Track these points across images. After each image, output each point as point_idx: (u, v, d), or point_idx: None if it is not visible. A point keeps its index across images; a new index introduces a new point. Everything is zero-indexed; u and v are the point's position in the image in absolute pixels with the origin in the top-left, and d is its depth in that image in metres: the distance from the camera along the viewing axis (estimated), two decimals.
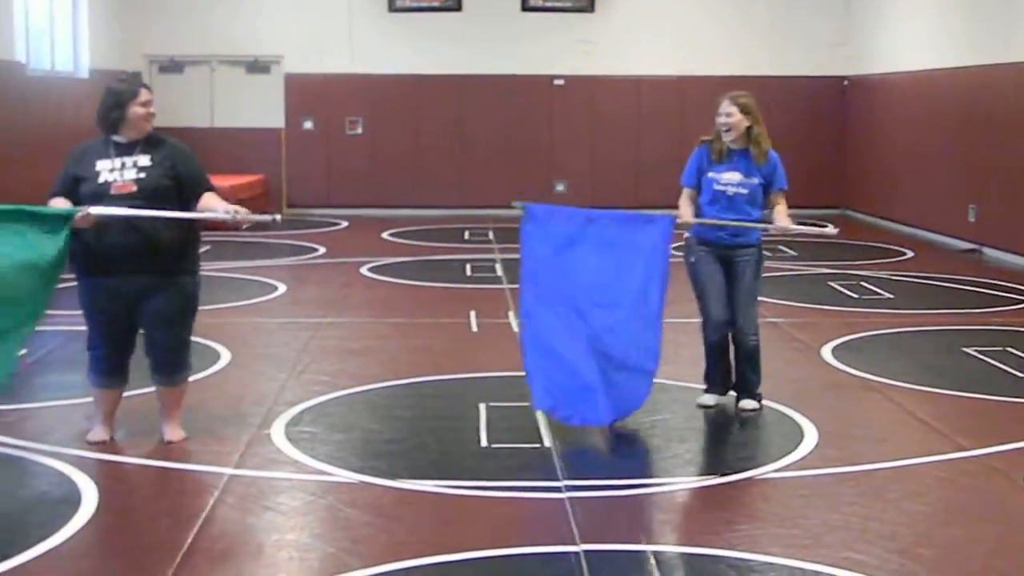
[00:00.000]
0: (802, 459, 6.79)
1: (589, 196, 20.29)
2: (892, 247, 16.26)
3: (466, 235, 17.43)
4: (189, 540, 5.51)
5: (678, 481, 6.47)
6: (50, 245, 6.34)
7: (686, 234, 7.92)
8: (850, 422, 7.72)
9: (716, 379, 7.85)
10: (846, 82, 20.33)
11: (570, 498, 6.07)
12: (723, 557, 5.36)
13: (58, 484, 6.26)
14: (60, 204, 6.64)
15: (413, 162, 20.39)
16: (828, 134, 20.44)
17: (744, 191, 7.64)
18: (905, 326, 10.68)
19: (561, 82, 20.42)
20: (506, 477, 6.41)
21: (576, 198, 20.17)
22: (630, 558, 5.33)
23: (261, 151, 20.18)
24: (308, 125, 20.37)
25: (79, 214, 6.41)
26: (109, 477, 6.38)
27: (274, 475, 6.49)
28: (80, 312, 6.86)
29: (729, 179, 7.64)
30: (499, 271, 13.68)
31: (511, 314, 10.72)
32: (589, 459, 6.83)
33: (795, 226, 7.75)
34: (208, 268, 9.23)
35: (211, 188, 6.82)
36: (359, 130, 20.33)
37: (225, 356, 9.17)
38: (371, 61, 20.11)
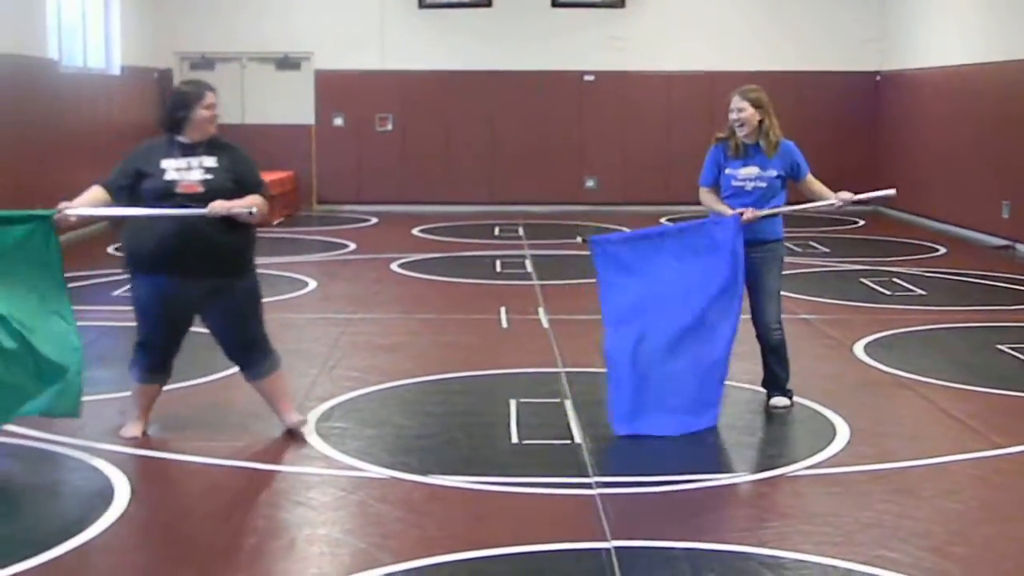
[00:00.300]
0: (834, 456, 6.75)
1: (620, 192, 20.29)
2: (925, 243, 16.16)
3: (496, 231, 17.42)
4: (220, 535, 5.53)
5: (709, 478, 6.44)
6: (40, 251, 6.45)
7: None
8: (882, 419, 7.67)
9: (771, 381, 7.83)
10: (879, 77, 20.22)
11: (601, 495, 6.06)
12: (754, 555, 5.34)
13: (91, 479, 6.29)
14: (95, 193, 6.71)
15: (443, 158, 20.40)
16: (860, 130, 20.32)
17: (763, 184, 7.62)
18: (938, 323, 10.61)
19: (591, 78, 20.38)
20: (537, 473, 6.40)
21: (606, 194, 20.17)
22: (661, 555, 5.31)
23: (291, 147, 20.22)
24: (338, 122, 20.40)
25: (58, 215, 6.49)
26: (142, 472, 6.40)
27: (305, 470, 6.51)
28: (121, 308, 6.89)
29: (747, 174, 7.63)
30: (529, 267, 13.66)
31: (541, 310, 10.71)
32: (620, 456, 6.81)
33: (858, 196, 7.71)
34: None
35: (262, 193, 6.88)
36: (389, 127, 20.35)
37: None
38: (401, 57, 20.12)
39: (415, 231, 17.41)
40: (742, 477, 6.45)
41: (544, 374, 8.47)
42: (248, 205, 6.68)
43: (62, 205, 6.57)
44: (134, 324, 6.96)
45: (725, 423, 7.45)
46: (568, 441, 6.97)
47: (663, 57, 20.22)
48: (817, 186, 7.86)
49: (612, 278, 7.24)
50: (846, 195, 7.76)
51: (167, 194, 6.61)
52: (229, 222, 6.65)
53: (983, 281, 13.11)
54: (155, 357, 6.93)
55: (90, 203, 6.78)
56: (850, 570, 5.13)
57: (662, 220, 18.62)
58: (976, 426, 7.37)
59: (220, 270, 6.73)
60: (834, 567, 5.17)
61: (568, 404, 7.69)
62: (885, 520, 5.76)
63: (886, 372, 8.78)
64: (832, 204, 7.77)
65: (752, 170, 7.61)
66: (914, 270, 13.69)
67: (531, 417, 7.44)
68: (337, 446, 6.86)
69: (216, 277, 6.72)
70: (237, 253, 6.80)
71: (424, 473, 6.39)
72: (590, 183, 20.37)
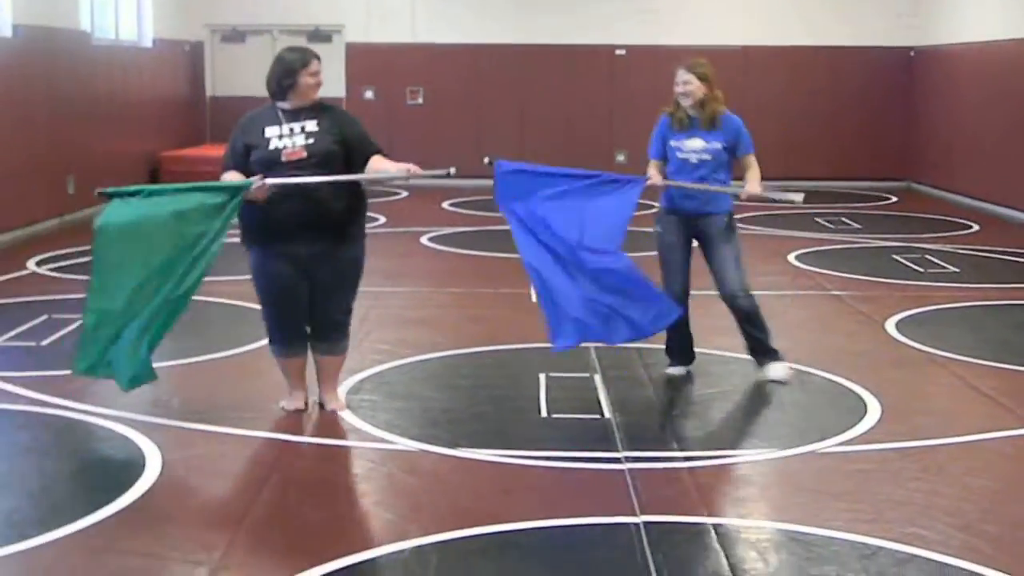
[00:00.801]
0: (865, 433, 6.73)
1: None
2: (957, 220, 16.05)
3: None
4: (250, 506, 5.56)
5: (739, 454, 6.44)
6: (216, 221, 6.45)
7: (658, 205, 7.85)
8: (914, 397, 7.64)
9: (675, 350, 7.87)
10: (912, 53, 20.06)
11: (630, 469, 6.06)
12: (784, 530, 5.34)
13: (122, 449, 6.34)
14: (233, 179, 6.65)
15: (474, 132, 20.36)
16: (894, 105, 20.17)
17: (708, 157, 7.61)
18: (970, 300, 10.55)
19: (623, 52, 20.30)
20: (566, 447, 6.41)
21: (638, 168, 20.06)
22: (690, 530, 5.31)
23: None
24: (369, 95, 20.38)
25: (254, 185, 6.44)
26: (172, 442, 6.44)
27: (334, 442, 6.53)
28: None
29: (692, 146, 7.63)
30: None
31: None
32: (649, 430, 6.80)
33: (765, 192, 7.67)
34: None
35: (379, 150, 6.83)
36: (420, 100, 20.32)
37: None
38: (433, 31, 20.07)
39: (445, 204, 17.40)
40: (772, 453, 6.43)
41: (575, 349, 8.46)
42: (398, 169, 6.69)
43: (256, 179, 6.47)
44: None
45: (755, 398, 7.43)
46: (597, 416, 6.97)
47: (695, 31, 20.09)
48: (751, 170, 7.76)
49: (512, 203, 7.36)
50: (753, 189, 7.64)
51: (274, 163, 6.56)
52: (345, 187, 6.63)
53: (1016, 259, 13.02)
54: (286, 329, 6.86)
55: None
56: (880, 547, 5.12)
57: None
58: (1008, 404, 7.33)
59: (330, 236, 6.67)
60: (864, 544, 5.15)
61: (597, 378, 7.69)
62: (915, 497, 5.74)
63: (918, 349, 8.73)
64: (736, 193, 7.71)
65: (696, 142, 7.61)
66: (947, 247, 13.60)
67: (560, 391, 7.44)
68: (367, 419, 6.88)
69: (325, 242, 6.65)
70: (349, 220, 6.74)
71: (453, 446, 6.40)
72: (621, 157, 20.29)
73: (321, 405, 7.03)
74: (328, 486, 5.91)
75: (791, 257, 12.66)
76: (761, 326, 7.73)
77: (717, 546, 5.13)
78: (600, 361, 8.08)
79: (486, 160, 7.43)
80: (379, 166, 6.74)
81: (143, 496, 5.64)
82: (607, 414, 6.98)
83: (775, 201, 8.03)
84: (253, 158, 6.62)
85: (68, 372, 7.57)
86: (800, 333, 9.37)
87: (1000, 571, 4.91)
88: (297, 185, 6.48)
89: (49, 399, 7.16)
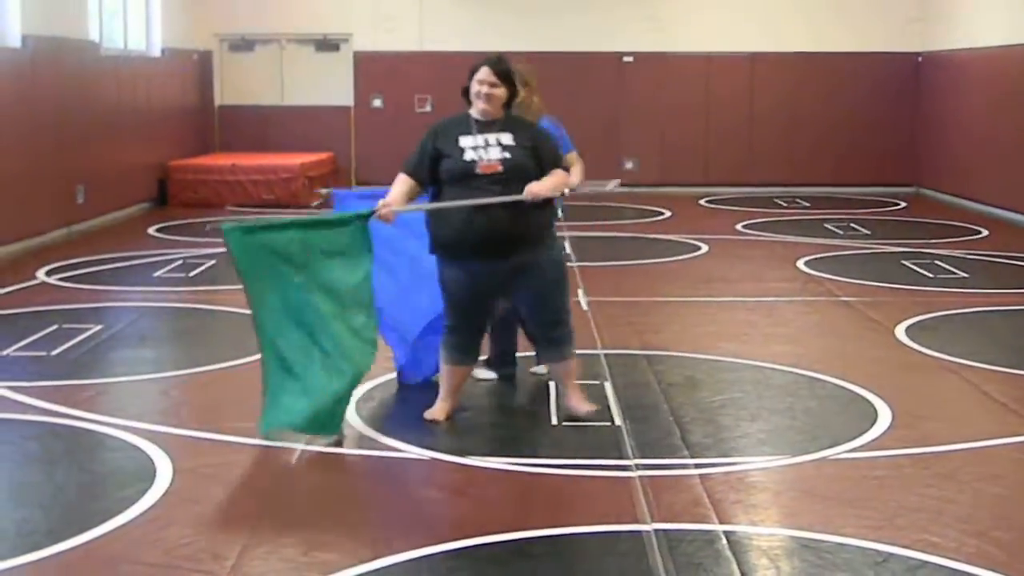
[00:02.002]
0: (876, 440, 6.71)
1: (657, 173, 20.19)
2: (967, 226, 16.03)
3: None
4: (261, 515, 5.56)
5: (750, 460, 6.42)
6: (356, 252, 6.53)
7: None
8: (925, 402, 7.62)
9: (503, 356, 7.85)
10: (920, 58, 20.05)
11: (641, 477, 6.05)
12: (796, 537, 5.33)
13: (133, 458, 6.34)
14: (404, 183, 6.70)
15: None
16: (902, 111, 20.16)
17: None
18: (980, 305, 10.53)
19: (630, 59, 20.31)
20: (577, 455, 6.39)
21: (645, 175, 20.06)
22: (702, 537, 5.30)
23: (330, 129, 20.26)
24: (377, 103, 20.41)
25: (379, 212, 6.49)
26: (183, 452, 6.43)
27: (345, 451, 6.52)
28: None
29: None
30: (568, 248, 13.62)
31: (580, 292, 10.69)
32: (660, 437, 6.78)
33: (584, 185, 7.76)
34: None
35: (566, 167, 6.81)
36: (428, 108, 20.33)
37: None
38: (440, 39, 20.09)
39: None
40: (783, 460, 6.42)
41: (584, 356, 8.42)
42: (558, 185, 6.62)
43: (382, 203, 6.54)
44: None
45: (766, 405, 7.42)
46: (608, 423, 6.95)
47: (703, 38, 20.11)
48: (574, 167, 7.75)
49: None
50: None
51: (467, 175, 6.52)
52: (528, 203, 6.54)
53: None
54: (463, 339, 6.85)
55: (403, 196, 6.72)
56: (892, 554, 5.10)
57: (701, 201, 18.58)
58: (1019, 409, 7.31)
59: (523, 247, 6.59)
60: (876, 551, 5.14)
61: (608, 386, 7.68)
62: (927, 504, 5.72)
63: (928, 355, 8.71)
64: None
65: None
66: (956, 252, 13.58)
67: None
68: (377, 427, 6.88)
69: (519, 254, 6.58)
70: (539, 228, 6.66)
71: (464, 454, 6.39)
72: (629, 164, 20.29)
73: (571, 418, 6.95)
74: (339, 495, 5.90)
75: (800, 263, 12.64)
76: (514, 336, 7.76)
77: (729, 553, 5.12)
78: (610, 368, 8.07)
79: (324, 191, 7.56)
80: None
81: (154, 506, 5.63)
82: (617, 421, 6.97)
83: (595, 192, 7.98)
84: (445, 167, 6.59)
85: (78, 381, 7.60)
86: (810, 339, 9.37)
87: None
88: (423, 210, 6.51)
89: (59, 409, 7.16)
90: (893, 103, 20.18)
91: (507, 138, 6.61)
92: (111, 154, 15.88)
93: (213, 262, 12.40)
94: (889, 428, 6.91)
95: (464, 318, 6.79)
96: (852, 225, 15.81)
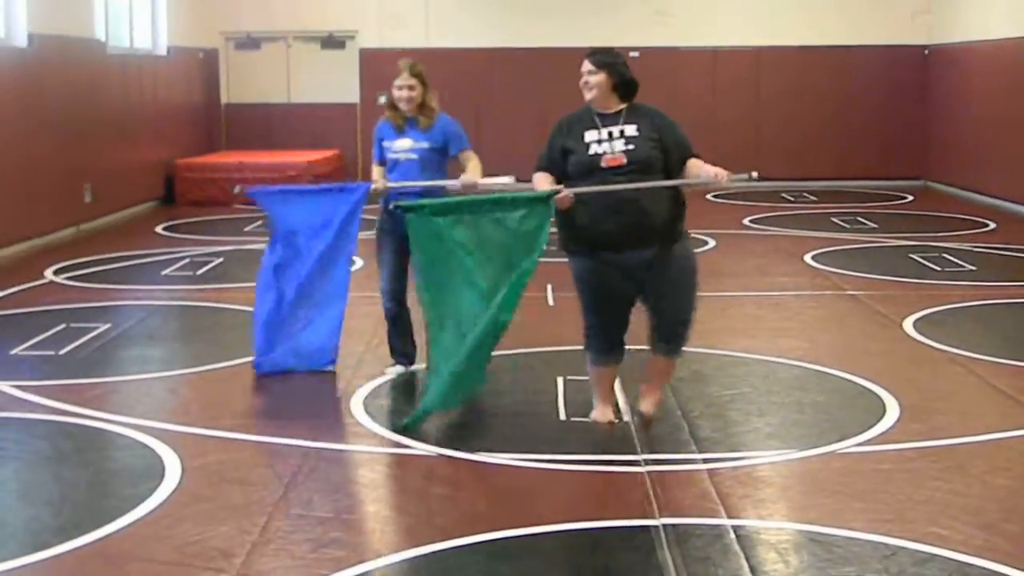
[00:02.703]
0: (884, 433, 6.71)
1: None
2: (974, 219, 15.99)
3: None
4: (270, 512, 5.57)
5: (758, 455, 6.42)
6: (531, 233, 6.50)
7: (380, 205, 7.88)
8: (933, 395, 7.61)
9: (399, 348, 7.94)
10: (927, 51, 20.01)
11: (649, 472, 6.05)
12: (804, 531, 5.33)
13: (141, 457, 6.35)
14: (543, 180, 6.59)
15: (489, 135, 20.33)
16: (908, 104, 20.12)
17: (415, 156, 7.71)
18: (988, 298, 10.52)
19: (636, 54, 20.26)
20: (585, 451, 6.40)
21: None
22: (710, 532, 5.30)
23: (337, 126, 20.26)
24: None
25: (559, 195, 6.40)
26: (191, 450, 6.44)
27: (353, 447, 6.54)
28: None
29: (401, 146, 7.75)
30: None
31: None
32: (668, 432, 6.79)
33: (480, 180, 7.75)
34: None
35: (695, 153, 6.68)
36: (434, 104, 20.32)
37: None
38: (446, 35, 20.08)
39: None
40: (791, 454, 6.42)
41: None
42: (708, 175, 6.48)
43: (559, 186, 6.46)
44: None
45: (774, 400, 7.41)
46: (616, 418, 6.95)
47: (709, 33, 20.09)
48: (471, 163, 7.89)
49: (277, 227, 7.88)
50: (466, 179, 7.72)
51: (594, 169, 6.43)
52: (659, 193, 6.44)
53: None
54: (605, 338, 6.71)
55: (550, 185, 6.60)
56: (901, 547, 5.10)
57: (707, 196, 18.56)
58: None
59: (658, 241, 6.45)
60: (884, 544, 5.13)
61: (616, 382, 7.66)
62: (936, 497, 5.72)
63: (936, 348, 8.71)
64: (449, 184, 7.74)
65: (406, 142, 7.74)
66: (964, 245, 13.56)
67: (578, 394, 7.42)
68: (385, 423, 6.88)
69: (651, 247, 6.43)
70: (671, 221, 6.52)
71: (472, 450, 6.40)
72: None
73: (635, 415, 6.92)
74: (348, 492, 5.91)
75: (807, 257, 12.63)
76: (411, 332, 7.92)
77: (737, 548, 5.12)
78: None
79: (235, 190, 8.05)
80: (695, 171, 6.55)
81: (163, 503, 5.64)
82: (626, 417, 6.97)
83: (491, 187, 7.98)
84: (572, 162, 6.50)
85: (86, 380, 7.62)
86: (817, 333, 9.36)
87: (1022, 570, 4.88)
88: (604, 192, 6.35)
89: (68, 407, 7.18)
90: (900, 96, 20.14)
91: (631, 130, 6.51)
92: (118, 153, 15.91)
93: (220, 260, 12.42)
94: (897, 422, 6.91)
95: (604, 315, 6.63)
96: (859, 219, 15.79)
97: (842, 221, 15.54)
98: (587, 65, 6.72)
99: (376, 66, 20.29)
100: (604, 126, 6.53)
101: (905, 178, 19.96)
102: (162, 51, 18.10)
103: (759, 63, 20.00)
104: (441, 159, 7.84)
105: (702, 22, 20.10)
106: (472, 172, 7.79)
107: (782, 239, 13.91)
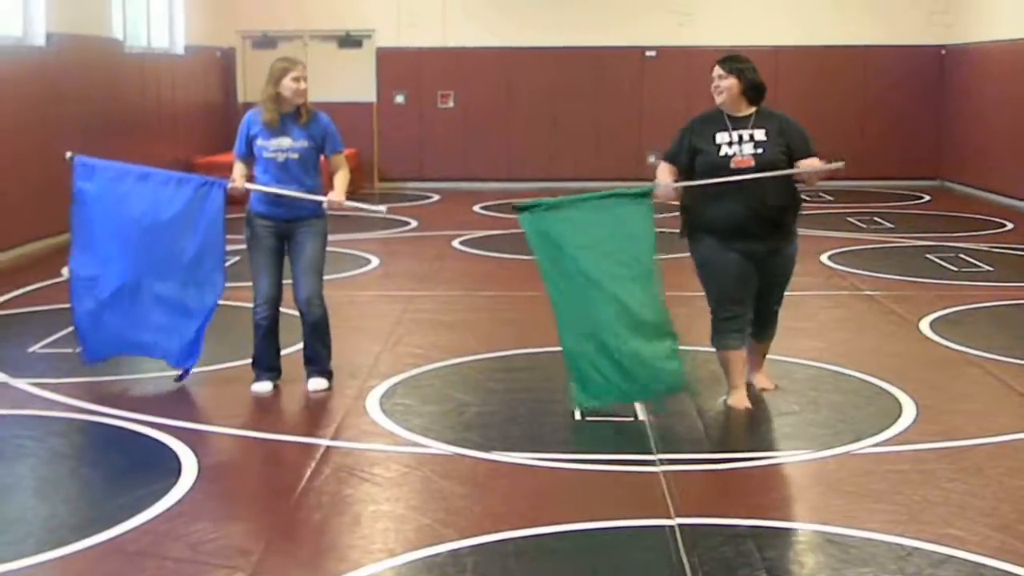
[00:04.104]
0: (900, 434, 6.70)
1: None
2: (991, 219, 15.96)
3: None
4: (286, 510, 5.58)
5: (775, 455, 6.42)
6: (640, 227, 6.80)
7: (248, 207, 7.65)
8: (949, 397, 7.60)
9: (268, 362, 7.64)
10: (944, 51, 19.96)
11: (665, 472, 6.05)
12: (820, 532, 5.32)
13: (158, 454, 6.37)
14: (664, 171, 7.03)
15: (505, 135, 20.39)
16: (925, 104, 20.08)
17: (295, 155, 7.46)
18: (1005, 299, 10.49)
19: (653, 54, 20.28)
20: (600, 450, 6.40)
21: None
22: (725, 532, 5.30)
23: (353, 125, 20.20)
24: (400, 99, 20.43)
25: (658, 190, 6.86)
26: (208, 448, 6.47)
27: (369, 446, 6.55)
28: None
29: (280, 145, 7.46)
30: None
31: None
32: (684, 433, 6.79)
33: (348, 202, 7.50)
34: None
35: (815, 152, 6.97)
36: (451, 104, 20.36)
37: None
38: (463, 35, 20.11)
39: (476, 208, 17.42)
40: (807, 454, 6.41)
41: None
42: (819, 168, 6.90)
43: (659, 183, 6.92)
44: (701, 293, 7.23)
45: (790, 400, 7.40)
46: (631, 418, 6.95)
47: (725, 32, 20.05)
48: (341, 172, 7.62)
49: (81, 202, 7.54)
50: (336, 197, 7.46)
51: (721, 169, 6.81)
52: (783, 189, 6.90)
53: None
54: (737, 324, 7.10)
55: (672, 176, 7.03)
56: (917, 548, 5.09)
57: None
58: None
59: (780, 234, 6.99)
60: (900, 545, 5.13)
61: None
62: (952, 498, 5.71)
63: (953, 349, 8.68)
64: (321, 202, 7.49)
65: (285, 141, 7.46)
66: (981, 246, 13.52)
67: None
68: (401, 422, 6.90)
69: (776, 240, 6.98)
70: (790, 218, 7.05)
71: (487, 449, 6.41)
72: (652, 159, 20.24)
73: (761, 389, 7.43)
74: (363, 490, 5.92)
75: (824, 257, 12.61)
76: (328, 342, 7.67)
77: (753, 548, 5.11)
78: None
79: (68, 155, 7.66)
80: (804, 164, 6.93)
81: (179, 501, 5.66)
82: (641, 416, 6.97)
83: (359, 209, 7.90)
84: (700, 161, 6.90)
85: (103, 378, 7.64)
86: (834, 334, 9.34)
87: None
88: (718, 184, 6.77)
89: (85, 405, 7.21)
90: (917, 96, 20.10)
91: (760, 134, 6.88)
92: (135, 151, 15.87)
93: (237, 259, 12.43)
94: (913, 422, 6.90)
95: (733, 301, 7.02)
96: (876, 219, 15.76)
97: (859, 221, 15.51)
98: (718, 70, 6.97)
99: (393, 65, 20.34)
100: (735, 128, 6.90)
101: (922, 178, 19.91)
102: (179, 50, 18.15)
103: (776, 62, 19.95)
104: (317, 159, 7.60)
105: (718, 21, 20.09)
106: (340, 181, 7.55)
107: (799, 239, 13.83)
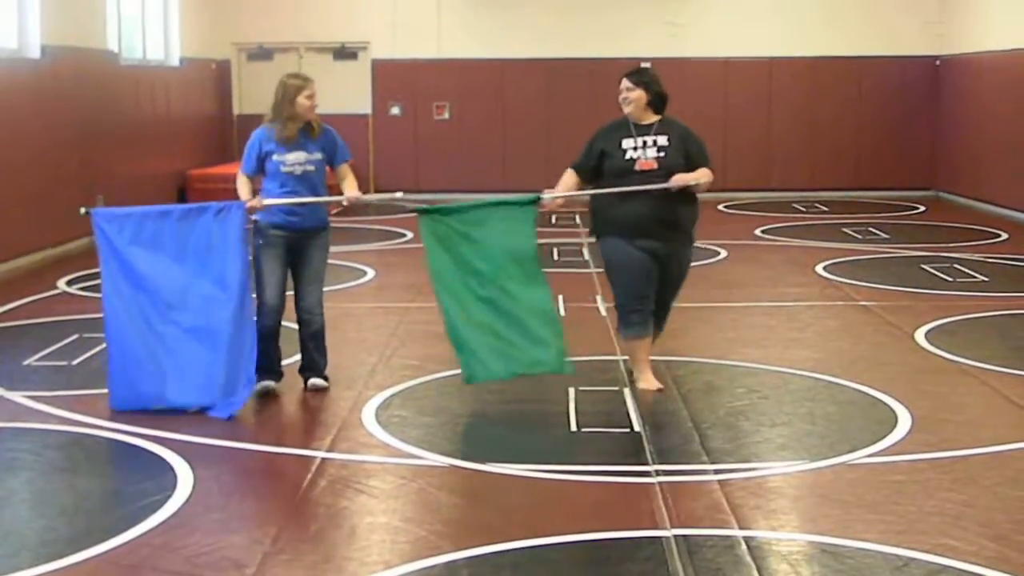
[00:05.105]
0: (896, 444, 6.70)
1: None
2: (986, 229, 15.98)
3: (553, 219, 17.36)
4: (282, 522, 5.58)
5: (769, 466, 6.42)
6: (522, 229, 7.55)
7: (255, 217, 7.73)
8: (945, 407, 7.60)
9: (270, 366, 7.69)
10: (938, 62, 20.00)
11: (660, 483, 6.05)
12: (816, 542, 5.33)
13: (154, 467, 6.36)
14: (569, 177, 7.74)
15: (500, 147, 20.41)
16: (920, 114, 20.11)
17: (312, 168, 7.70)
18: (1000, 309, 10.50)
19: (648, 65, 20.28)
20: (596, 461, 6.40)
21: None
22: (722, 543, 5.30)
23: (349, 137, 19.84)
24: (395, 111, 20.46)
25: (544, 200, 7.59)
26: (203, 460, 6.46)
27: (365, 458, 6.55)
28: None
29: (296, 159, 7.65)
30: (586, 255, 13.62)
31: (599, 298, 10.69)
32: (679, 443, 6.79)
33: (366, 196, 7.83)
34: None
35: (709, 166, 7.55)
36: (446, 115, 20.38)
37: None
38: (458, 46, 20.13)
39: None
40: (802, 465, 6.41)
41: (603, 362, 8.46)
42: (698, 177, 7.44)
43: (547, 192, 7.70)
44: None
45: (785, 411, 7.41)
46: (627, 429, 6.96)
47: (721, 43, 20.11)
48: (349, 178, 8.00)
49: (109, 252, 7.49)
50: (353, 192, 7.83)
51: (627, 171, 7.44)
52: (683, 195, 7.43)
53: None
54: (641, 314, 7.60)
55: (566, 188, 7.74)
56: (912, 558, 5.10)
57: (720, 207, 18.53)
58: None
59: (679, 235, 7.58)
60: (896, 555, 5.13)
61: (627, 392, 7.68)
62: (947, 508, 5.72)
63: (948, 359, 8.70)
64: (340, 200, 7.88)
65: (300, 155, 7.66)
66: (976, 256, 13.54)
67: (590, 405, 7.44)
68: (396, 434, 6.90)
69: (675, 242, 7.57)
70: (688, 223, 7.61)
71: (483, 461, 6.41)
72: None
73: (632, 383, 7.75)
74: (359, 502, 5.92)
75: (819, 268, 12.63)
76: (324, 349, 7.86)
77: (749, 559, 5.12)
78: (629, 374, 8.07)
79: (82, 210, 7.70)
80: (688, 176, 7.47)
81: (175, 514, 5.66)
82: (637, 428, 6.97)
83: (379, 202, 8.13)
84: (608, 164, 7.54)
85: (99, 391, 7.63)
86: (829, 344, 9.35)
87: None
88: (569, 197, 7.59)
89: (81, 418, 7.20)
90: (911, 107, 20.14)
91: (663, 140, 7.53)
92: (131, 163, 15.95)
93: None
94: (909, 433, 6.91)
95: (638, 295, 7.54)
96: (871, 229, 15.78)
97: (854, 232, 15.53)
98: (626, 83, 7.65)
99: (388, 77, 20.36)
100: (639, 135, 7.55)
101: (917, 189, 19.94)
102: (175, 62, 18.16)
103: (771, 73, 20.01)
104: (326, 169, 7.89)
105: (713, 32, 20.11)
106: (352, 182, 7.96)
107: (794, 249, 13.90)
